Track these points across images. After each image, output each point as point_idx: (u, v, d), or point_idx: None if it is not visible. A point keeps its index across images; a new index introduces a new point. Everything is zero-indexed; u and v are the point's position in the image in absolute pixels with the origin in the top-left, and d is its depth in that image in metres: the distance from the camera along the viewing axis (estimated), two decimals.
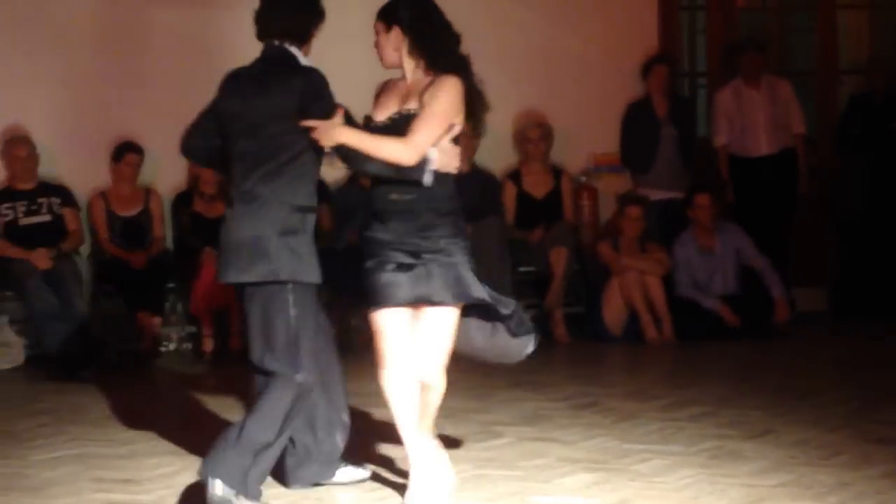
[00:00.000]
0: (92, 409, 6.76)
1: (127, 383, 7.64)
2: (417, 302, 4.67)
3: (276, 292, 4.70)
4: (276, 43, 4.79)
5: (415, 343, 4.74)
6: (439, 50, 4.76)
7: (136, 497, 4.99)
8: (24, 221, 8.26)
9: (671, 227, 9.08)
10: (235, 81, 4.85)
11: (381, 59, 4.82)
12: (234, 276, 4.75)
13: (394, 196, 4.67)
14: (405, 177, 4.64)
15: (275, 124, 4.68)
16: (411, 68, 4.77)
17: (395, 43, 4.77)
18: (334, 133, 4.63)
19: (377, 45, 4.82)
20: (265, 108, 4.68)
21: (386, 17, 4.79)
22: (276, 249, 4.68)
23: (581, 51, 9.57)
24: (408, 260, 4.66)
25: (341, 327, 8.61)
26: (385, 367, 4.77)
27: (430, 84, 4.70)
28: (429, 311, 4.68)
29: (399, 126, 4.66)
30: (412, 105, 4.70)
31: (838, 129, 9.60)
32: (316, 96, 4.67)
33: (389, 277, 4.66)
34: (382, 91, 4.83)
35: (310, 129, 4.65)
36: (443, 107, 4.64)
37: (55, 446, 5.84)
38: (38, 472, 5.38)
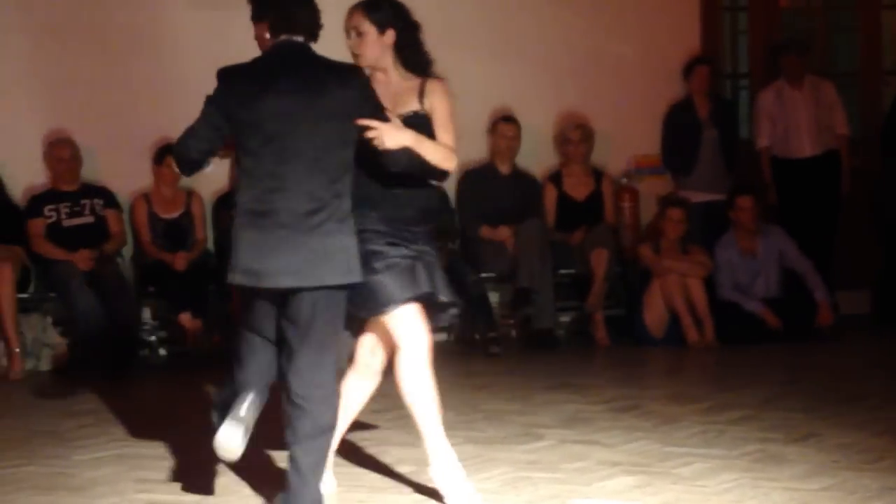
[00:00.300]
0: (134, 409, 6.82)
1: (169, 384, 7.69)
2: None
3: (341, 295, 4.61)
4: (300, 40, 4.60)
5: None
6: (424, 54, 4.92)
7: (178, 497, 5.03)
8: (68, 223, 8.34)
9: (713, 229, 9.05)
10: (266, 79, 4.51)
11: (363, 57, 4.80)
12: (305, 280, 4.48)
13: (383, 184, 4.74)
14: (429, 177, 4.79)
15: (331, 123, 4.50)
16: (392, 68, 4.84)
17: (385, 45, 4.80)
18: (399, 135, 4.62)
19: (361, 44, 4.80)
20: (322, 107, 4.48)
21: (380, 21, 4.81)
22: (354, 250, 4.54)
23: (622, 52, 9.55)
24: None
25: None
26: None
27: (423, 87, 4.82)
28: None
29: (415, 126, 4.71)
30: (412, 107, 4.79)
31: (882, 130, 9.53)
32: (372, 95, 4.63)
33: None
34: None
35: (366, 129, 4.54)
36: (449, 111, 4.84)
37: (98, 446, 5.89)
38: (82, 472, 5.43)
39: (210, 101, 4.54)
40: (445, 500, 4.79)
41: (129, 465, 5.52)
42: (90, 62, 8.58)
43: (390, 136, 4.57)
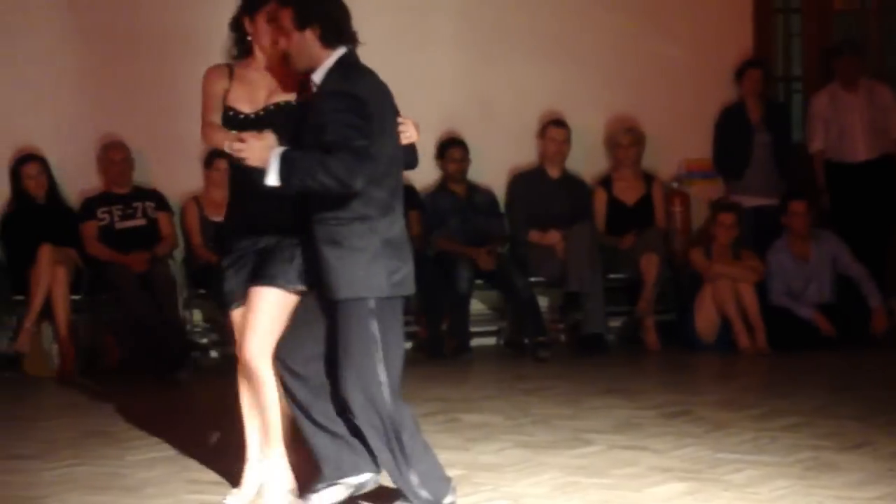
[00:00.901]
0: (186, 411, 6.88)
1: (220, 386, 7.73)
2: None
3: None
4: (350, 49, 4.66)
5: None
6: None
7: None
8: (120, 225, 8.43)
9: (765, 234, 9.01)
10: (382, 88, 4.67)
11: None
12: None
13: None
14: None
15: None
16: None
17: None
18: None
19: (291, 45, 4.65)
20: None
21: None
22: None
23: (673, 55, 9.53)
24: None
25: (431, 333, 8.68)
26: None
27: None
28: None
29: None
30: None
31: None
32: None
33: None
34: None
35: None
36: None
37: (150, 447, 5.95)
38: (134, 473, 5.49)
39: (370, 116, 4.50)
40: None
41: (181, 466, 5.57)
42: (143, 65, 8.66)
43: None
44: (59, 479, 5.42)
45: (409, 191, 9.06)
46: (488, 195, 9.17)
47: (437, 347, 8.60)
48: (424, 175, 9.16)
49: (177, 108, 8.71)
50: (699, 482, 5.16)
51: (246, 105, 4.76)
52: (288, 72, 4.71)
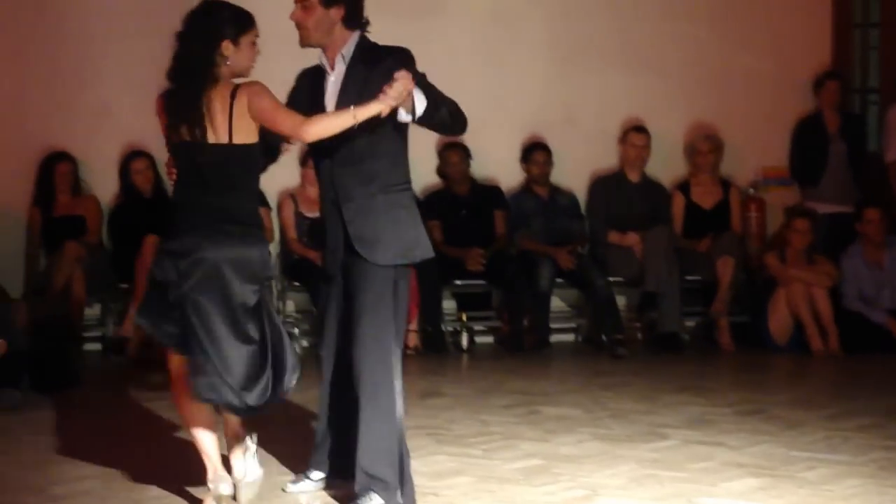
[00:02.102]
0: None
1: (312, 376, 7.75)
2: None
3: None
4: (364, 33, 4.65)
5: None
6: None
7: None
8: None
9: (839, 240, 8.88)
10: None
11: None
12: None
13: None
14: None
15: None
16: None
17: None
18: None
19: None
20: None
21: None
22: None
23: (752, 65, 9.44)
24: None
25: (513, 329, 8.65)
26: None
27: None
28: None
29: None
30: None
31: None
32: None
33: None
34: None
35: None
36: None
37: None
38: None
39: None
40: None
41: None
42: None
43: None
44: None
45: (495, 191, 9.05)
46: (570, 197, 9.13)
47: (517, 342, 8.57)
48: (509, 177, 9.16)
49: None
50: (773, 478, 5.09)
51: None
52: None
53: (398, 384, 4.50)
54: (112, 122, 8.63)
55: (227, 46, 4.45)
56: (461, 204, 8.86)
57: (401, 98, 4.31)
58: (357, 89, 4.48)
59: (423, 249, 4.57)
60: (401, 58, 4.49)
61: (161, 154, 8.52)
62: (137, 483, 4.99)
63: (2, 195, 8.63)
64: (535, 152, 9.04)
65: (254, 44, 4.51)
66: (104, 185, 8.76)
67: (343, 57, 4.52)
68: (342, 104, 4.48)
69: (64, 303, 8.13)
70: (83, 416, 6.48)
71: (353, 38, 4.54)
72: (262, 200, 8.62)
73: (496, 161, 9.13)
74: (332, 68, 4.56)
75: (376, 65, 4.48)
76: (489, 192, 9.00)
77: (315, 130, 4.41)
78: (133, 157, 8.59)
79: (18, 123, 8.65)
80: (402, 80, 4.29)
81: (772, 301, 8.58)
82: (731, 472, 5.18)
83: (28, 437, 5.92)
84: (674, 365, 8.04)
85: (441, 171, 8.92)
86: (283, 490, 4.83)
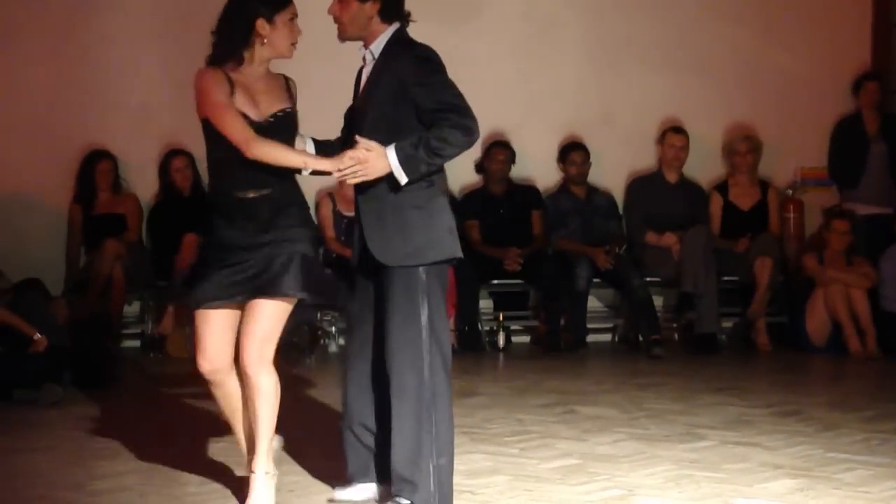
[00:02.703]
0: (313, 396, 6.91)
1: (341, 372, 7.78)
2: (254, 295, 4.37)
3: None
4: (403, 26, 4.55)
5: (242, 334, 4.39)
6: None
7: None
8: None
9: (878, 242, 8.83)
10: None
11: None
12: None
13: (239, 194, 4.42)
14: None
15: None
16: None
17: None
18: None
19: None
20: None
21: None
22: None
23: (791, 66, 9.40)
24: (237, 258, 4.39)
25: (550, 328, 8.64)
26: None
27: (288, 84, 4.61)
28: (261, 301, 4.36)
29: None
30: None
31: None
32: None
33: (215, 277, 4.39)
34: None
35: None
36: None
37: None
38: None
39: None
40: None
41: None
42: (294, 69, 8.72)
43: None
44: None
45: (532, 191, 9.04)
46: (608, 198, 9.10)
47: (554, 342, 8.55)
48: (547, 177, 9.15)
49: (310, 105, 8.81)
50: (810, 479, 5.04)
51: (251, 111, 4.38)
52: (278, 82, 4.50)
53: (434, 385, 4.41)
54: (151, 121, 8.69)
55: (262, 25, 4.37)
56: (499, 204, 8.86)
57: (372, 173, 4.28)
58: (375, 85, 4.43)
59: (438, 251, 4.41)
60: (411, 58, 4.38)
61: (199, 153, 8.69)
62: (176, 479, 5.01)
63: (43, 193, 8.71)
64: (573, 152, 9.02)
65: (292, 22, 4.44)
66: (144, 184, 8.82)
67: (372, 52, 4.50)
68: (364, 100, 4.46)
69: (104, 300, 8.19)
70: (123, 413, 6.52)
71: (388, 32, 4.47)
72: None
73: (534, 161, 9.12)
74: (366, 62, 4.54)
75: (391, 62, 4.41)
76: (526, 192, 8.99)
77: (260, 152, 4.30)
78: (172, 155, 8.65)
79: (59, 122, 8.73)
80: (364, 158, 4.26)
81: (810, 302, 8.52)
82: (767, 473, 5.14)
83: (68, 433, 5.96)
84: (711, 365, 8.00)
85: (481, 166, 8.90)
86: (330, 501, 4.68)
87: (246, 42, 4.39)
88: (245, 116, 4.35)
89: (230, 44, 4.38)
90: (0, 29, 8.73)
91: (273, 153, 4.30)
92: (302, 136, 4.58)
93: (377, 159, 4.28)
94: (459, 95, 4.36)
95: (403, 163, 4.29)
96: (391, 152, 4.29)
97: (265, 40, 4.40)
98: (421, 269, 4.40)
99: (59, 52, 8.77)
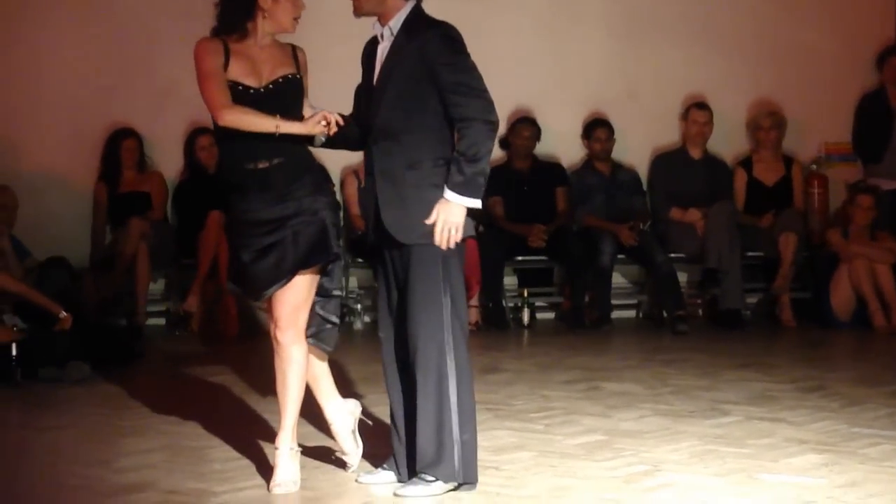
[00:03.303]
0: (347, 372, 6.90)
1: (373, 351, 7.76)
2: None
3: None
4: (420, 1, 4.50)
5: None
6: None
7: None
8: None
9: None
10: None
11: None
12: None
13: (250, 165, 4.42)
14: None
15: None
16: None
17: None
18: None
19: None
20: None
21: None
22: None
23: (815, 41, 9.32)
24: (270, 239, 4.42)
25: (574, 304, 8.60)
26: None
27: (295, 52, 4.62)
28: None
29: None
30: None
31: None
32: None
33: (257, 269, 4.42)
34: None
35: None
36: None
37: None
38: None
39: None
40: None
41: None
42: (313, 45, 8.68)
43: None
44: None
45: (556, 168, 9.00)
46: (632, 174, 9.05)
47: (579, 318, 8.52)
48: (571, 153, 9.10)
49: (332, 85, 8.80)
50: (835, 454, 5.01)
51: (251, 79, 4.41)
52: (285, 50, 4.51)
53: (456, 359, 4.39)
54: (177, 100, 8.67)
55: None
56: (523, 180, 8.82)
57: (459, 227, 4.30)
58: (395, 62, 4.37)
59: None
60: (435, 36, 4.32)
61: None
62: (202, 456, 5.01)
63: (68, 171, 8.72)
64: (597, 129, 8.97)
65: None
66: (169, 162, 8.82)
67: (391, 28, 4.45)
68: (383, 76, 4.39)
69: (129, 278, 8.20)
70: (148, 390, 6.52)
71: (406, 8, 4.42)
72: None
73: (558, 137, 9.08)
74: (383, 38, 4.49)
75: (413, 39, 4.35)
76: (550, 169, 8.95)
77: (231, 118, 4.32)
78: (198, 133, 8.64)
79: (84, 101, 8.72)
80: (449, 224, 4.27)
81: (834, 277, 8.47)
82: (792, 449, 5.10)
83: (94, 410, 5.97)
84: (735, 341, 7.97)
85: (506, 141, 8.84)
86: (357, 481, 4.65)
87: (248, 15, 4.41)
88: (242, 85, 4.38)
89: (233, 16, 4.40)
90: (25, 8, 8.72)
91: (244, 119, 4.34)
92: (313, 107, 4.56)
93: (447, 213, 4.29)
94: (479, 78, 4.33)
95: (465, 192, 4.29)
96: (450, 195, 4.29)
97: (266, 14, 4.41)
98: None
99: (83, 30, 8.76)
